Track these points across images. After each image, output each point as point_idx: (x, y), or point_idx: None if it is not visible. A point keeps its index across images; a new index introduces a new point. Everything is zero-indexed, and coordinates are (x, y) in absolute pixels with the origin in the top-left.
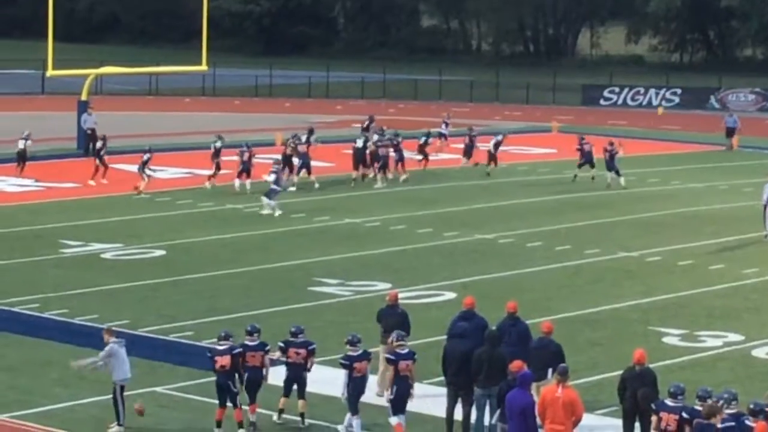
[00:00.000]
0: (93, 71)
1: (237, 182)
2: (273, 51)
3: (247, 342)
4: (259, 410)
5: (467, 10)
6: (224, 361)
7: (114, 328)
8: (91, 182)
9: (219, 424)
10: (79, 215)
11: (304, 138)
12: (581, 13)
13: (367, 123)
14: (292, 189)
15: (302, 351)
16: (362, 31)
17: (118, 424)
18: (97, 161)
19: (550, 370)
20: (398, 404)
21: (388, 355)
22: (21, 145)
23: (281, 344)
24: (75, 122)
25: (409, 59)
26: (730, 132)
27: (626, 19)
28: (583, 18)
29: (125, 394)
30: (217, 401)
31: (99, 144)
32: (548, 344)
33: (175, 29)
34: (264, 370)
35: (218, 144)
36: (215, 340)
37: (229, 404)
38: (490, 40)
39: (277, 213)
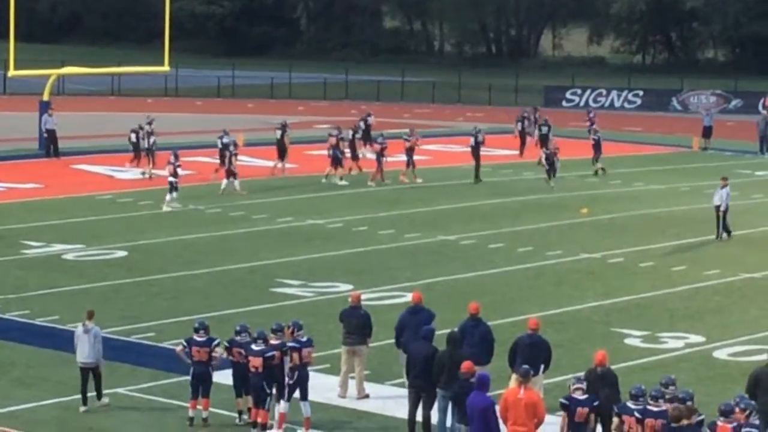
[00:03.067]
0: (55, 71)
1: (224, 182)
2: (235, 52)
3: (194, 337)
4: (220, 411)
5: (430, 11)
6: (202, 355)
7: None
8: (145, 172)
9: (192, 421)
10: (40, 216)
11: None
12: (543, 14)
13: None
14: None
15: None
16: (325, 31)
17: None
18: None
19: (542, 366)
20: (303, 389)
21: (291, 344)
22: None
23: (226, 344)
24: (36, 123)
25: (372, 60)
26: (707, 132)
27: (588, 20)
28: (546, 19)
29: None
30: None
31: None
32: (538, 341)
33: (138, 29)
34: (210, 368)
35: (224, 140)
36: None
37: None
38: (452, 41)
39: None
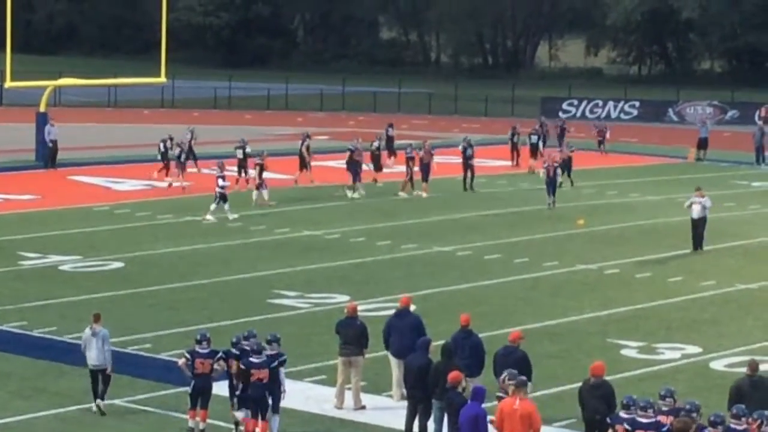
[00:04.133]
0: (51, 83)
1: (255, 193)
2: (233, 63)
3: (197, 349)
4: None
5: (427, 22)
6: (205, 367)
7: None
8: (177, 183)
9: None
10: (37, 227)
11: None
12: (540, 25)
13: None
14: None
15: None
16: (321, 43)
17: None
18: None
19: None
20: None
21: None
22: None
23: (222, 355)
24: (34, 134)
25: (369, 71)
26: (703, 143)
27: (585, 31)
28: (542, 30)
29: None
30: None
31: (177, 150)
32: (513, 352)
33: (135, 40)
34: (211, 380)
35: (246, 150)
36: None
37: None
38: (449, 52)
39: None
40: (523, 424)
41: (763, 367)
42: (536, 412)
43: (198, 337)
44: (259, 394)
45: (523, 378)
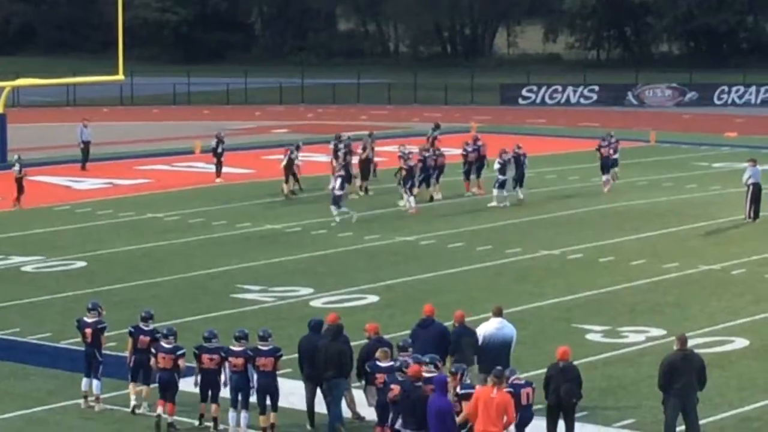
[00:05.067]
0: (8, 83)
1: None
2: (191, 58)
3: (162, 344)
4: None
5: (384, 12)
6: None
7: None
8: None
9: (159, 418)
10: None
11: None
12: (497, 12)
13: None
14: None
15: (215, 357)
16: (279, 36)
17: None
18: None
19: (475, 358)
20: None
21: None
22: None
23: (195, 350)
24: None
25: (327, 63)
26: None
27: (543, 17)
28: (500, 17)
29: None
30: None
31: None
32: (466, 332)
33: (93, 39)
34: (176, 374)
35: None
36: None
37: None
38: (407, 42)
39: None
40: (498, 413)
41: (728, 348)
42: (512, 402)
43: (164, 331)
44: (240, 383)
45: (500, 368)
